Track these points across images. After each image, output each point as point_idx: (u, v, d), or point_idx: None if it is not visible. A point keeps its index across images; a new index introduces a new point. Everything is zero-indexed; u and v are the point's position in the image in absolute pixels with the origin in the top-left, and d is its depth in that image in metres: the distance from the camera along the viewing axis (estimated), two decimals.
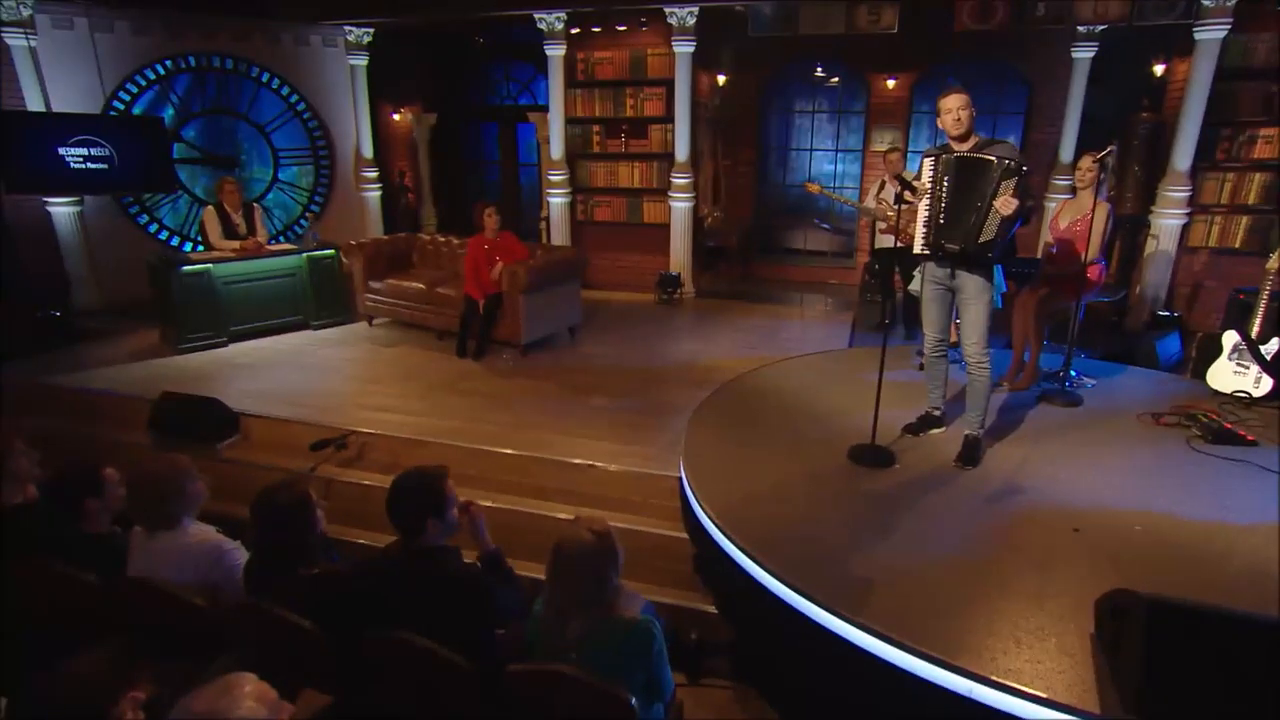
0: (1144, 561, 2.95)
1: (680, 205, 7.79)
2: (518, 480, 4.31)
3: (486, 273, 5.90)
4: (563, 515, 4.01)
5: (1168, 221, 6.87)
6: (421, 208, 10.69)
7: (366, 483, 4.39)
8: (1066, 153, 7.97)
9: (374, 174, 9.32)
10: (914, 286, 5.02)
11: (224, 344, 6.28)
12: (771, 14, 6.81)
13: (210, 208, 6.46)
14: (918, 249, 3.76)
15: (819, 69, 8.64)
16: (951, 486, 3.55)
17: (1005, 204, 3.38)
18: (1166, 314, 6.79)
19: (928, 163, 3.68)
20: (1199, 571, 2.87)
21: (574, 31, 7.70)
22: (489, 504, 4.12)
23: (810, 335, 6.56)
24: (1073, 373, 5.06)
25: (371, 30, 8.66)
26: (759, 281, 8.98)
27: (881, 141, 8.52)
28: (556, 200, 8.30)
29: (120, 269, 7.53)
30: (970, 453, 3.77)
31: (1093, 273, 4.66)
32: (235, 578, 2.40)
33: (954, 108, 3.52)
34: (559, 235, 8.41)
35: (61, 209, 7.27)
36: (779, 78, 8.84)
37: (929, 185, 3.65)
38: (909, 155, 8.61)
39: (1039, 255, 5.10)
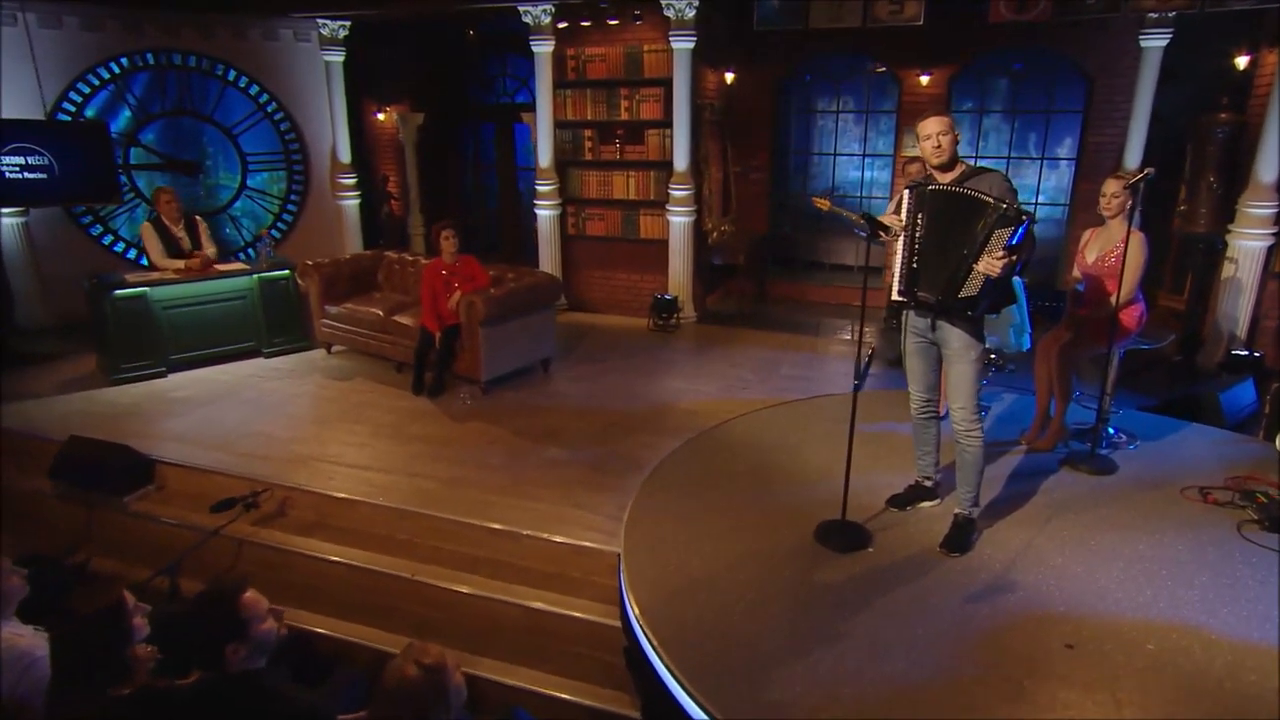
0: (1147, 693, 2.69)
1: (679, 220, 7.65)
2: (447, 548, 4.21)
3: (445, 301, 5.84)
4: (487, 594, 3.90)
5: (1249, 243, 6.48)
6: (409, 217, 10.73)
7: (284, 547, 4.33)
8: (1132, 158, 7.60)
9: (351, 180, 9.37)
10: None
11: (163, 374, 6.33)
12: (780, 6, 6.64)
13: (148, 224, 6.49)
14: (894, 294, 3.57)
15: (870, 64, 8.42)
16: (929, 579, 3.33)
17: (989, 265, 3.15)
18: (1245, 354, 6.39)
19: (906, 195, 3.49)
20: (1215, 715, 2.60)
21: (562, 26, 7.63)
22: (411, 575, 4.05)
23: (817, 371, 6.34)
24: (1110, 430, 4.78)
25: (348, 23, 8.72)
26: (775, 303, 8.77)
27: (914, 145, 8.24)
28: (544, 213, 8.22)
29: (70, 284, 7.63)
30: (958, 537, 3.54)
31: (1128, 317, 4.38)
32: (44, 691, 2.33)
33: (933, 133, 3.34)
34: (547, 251, 8.33)
35: (4, 220, 7.44)
36: (797, 74, 8.65)
37: (903, 221, 3.45)
38: None
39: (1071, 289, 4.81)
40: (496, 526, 4.13)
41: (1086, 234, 4.64)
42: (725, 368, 6.50)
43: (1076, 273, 4.63)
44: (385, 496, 4.44)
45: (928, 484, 3.93)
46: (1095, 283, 4.47)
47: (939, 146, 3.35)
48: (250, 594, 2.26)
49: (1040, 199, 8.44)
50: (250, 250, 9.03)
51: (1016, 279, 4.86)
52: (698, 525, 3.79)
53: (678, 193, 7.56)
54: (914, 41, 7.76)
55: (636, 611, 3.12)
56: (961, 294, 3.30)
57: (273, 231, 9.24)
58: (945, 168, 3.41)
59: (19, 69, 7.33)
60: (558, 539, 4.02)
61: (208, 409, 5.72)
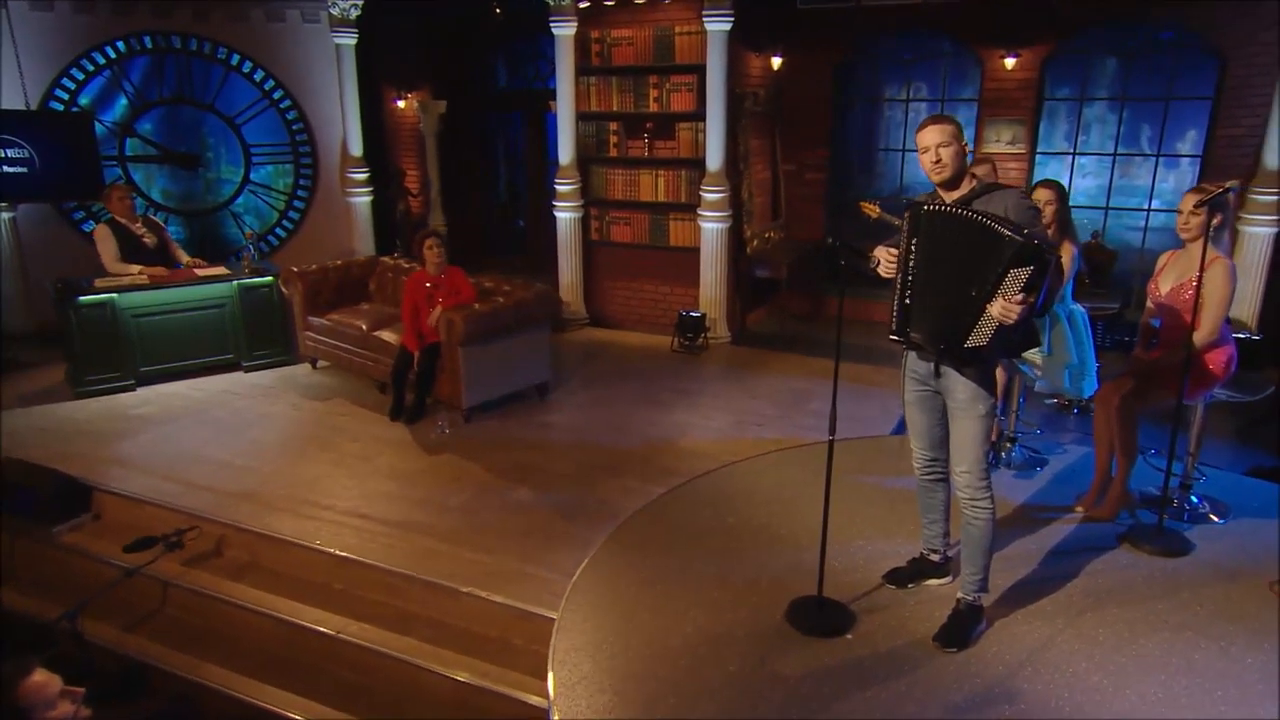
0: None
1: (712, 226, 7.53)
2: (383, 602, 4.23)
3: (426, 317, 5.88)
4: (415, 660, 3.87)
5: None
6: (430, 215, 10.92)
7: (209, 591, 4.41)
8: (1274, 154, 7.08)
9: (363, 175, 9.58)
10: None
11: (131, 387, 6.59)
12: None
13: (103, 225, 6.72)
14: (891, 332, 3.38)
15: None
16: (910, 679, 3.12)
17: (1005, 310, 2.92)
18: None
19: (908, 216, 3.30)
20: None
21: (584, 5, 7.64)
22: (335, 633, 4.06)
23: (853, 409, 6.04)
24: (1193, 499, 4.42)
25: (360, 2, 8.93)
26: (829, 323, 8.52)
27: (997, 139, 7.91)
28: (564, 215, 8.24)
29: None
30: (957, 627, 3.31)
31: (1215, 361, 4.05)
32: None
33: (931, 144, 3.14)
34: (567, 258, 8.34)
35: None
36: (860, 57, 8.41)
37: (895, 248, 3.27)
38: (1036, 160, 7.99)
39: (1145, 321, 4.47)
40: (435, 581, 4.11)
41: (1163, 258, 4.33)
42: (745, 400, 6.34)
43: (1150, 304, 4.32)
44: (325, 540, 4.47)
45: (934, 558, 3.71)
46: (1172, 318, 4.15)
47: (939, 161, 3.15)
48: (36, 677, 2.26)
49: (1154, 204, 7.95)
50: (251, 248, 9.33)
51: (1078, 308, 4.63)
52: (655, 594, 3.68)
53: (710, 195, 7.44)
54: (998, 16, 7.44)
55: (551, 697, 3.04)
56: (969, 342, 3.09)
57: (289, 214, 9.55)
58: (949, 185, 3.21)
59: (13, 55, 7.77)
60: (501, 599, 3.97)
61: (165, 428, 5.91)
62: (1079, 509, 4.39)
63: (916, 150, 3.26)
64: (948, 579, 3.69)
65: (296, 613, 4.22)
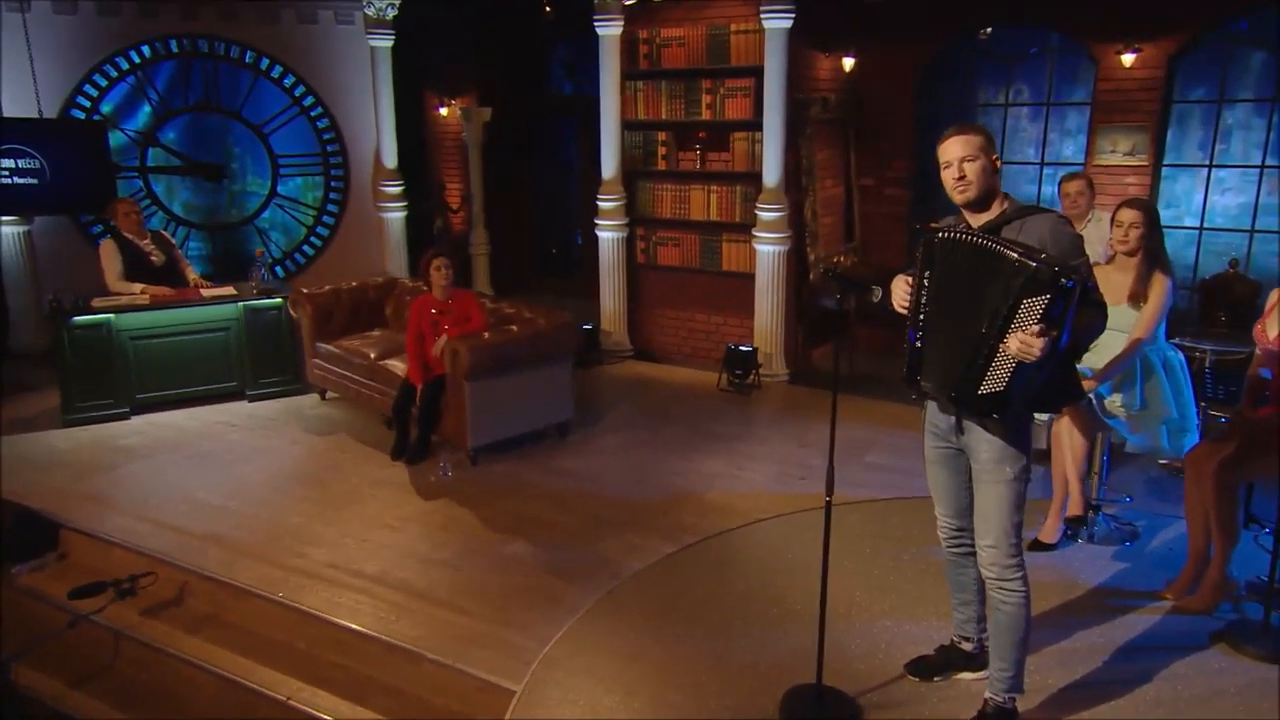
0: None
1: (768, 249, 7.42)
2: (344, 665, 4.26)
3: (431, 346, 5.94)
4: None
5: None
6: (472, 232, 11.10)
7: (161, 645, 4.50)
8: None
9: (396, 189, 9.80)
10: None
11: (125, 416, 6.85)
12: None
13: (108, 241, 7.07)
14: (904, 378, 3.23)
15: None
16: None
17: (1024, 345, 2.72)
18: None
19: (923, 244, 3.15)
20: None
21: (630, 2, 7.69)
22: (286, 699, 4.09)
23: (907, 462, 5.84)
24: None
25: (397, 1, 9.21)
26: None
27: (1114, 150, 7.57)
28: (607, 235, 8.27)
29: None
30: None
31: None
32: None
33: (954, 158, 2.98)
34: (609, 283, 8.35)
35: (4, 228, 8.37)
36: (948, 55, 8.20)
37: (909, 280, 3.12)
38: (1162, 174, 7.61)
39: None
40: (397, 644, 4.10)
41: (1273, 295, 4.05)
42: (792, 448, 6.19)
43: (1258, 352, 4.03)
44: (289, 593, 4.52)
45: (966, 646, 3.50)
46: None
47: (962, 177, 2.98)
48: None
49: None
50: (279, 268, 9.66)
51: (1175, 354, 4.34)
52: (636, 671, 3.61)
53: (767, 214, 7.34)
54: (1115, 4, 7.16)
55: None
56: (983, 388, 2.90)
57: (318, 230, 9.87)
58: (976, 206, 3.04)
59: (40, 60, 8.24)
60: (467, 669, 3.93)
61: (149, 462, 6.11)
62: (1167, 596, 4.09)
63: (940, 165, 3.10)
64: (982, 673, 3.46)
65: (250, 673, 4.27)
